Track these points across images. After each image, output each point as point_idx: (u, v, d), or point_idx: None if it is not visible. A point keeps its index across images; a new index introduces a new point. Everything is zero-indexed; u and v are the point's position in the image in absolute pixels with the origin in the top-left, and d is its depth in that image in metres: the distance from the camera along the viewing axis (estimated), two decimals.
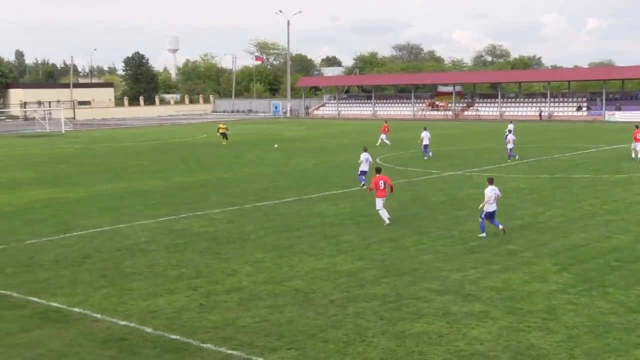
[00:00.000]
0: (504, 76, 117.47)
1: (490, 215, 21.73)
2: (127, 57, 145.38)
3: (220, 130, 61.66)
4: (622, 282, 16.23)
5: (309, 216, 25.52)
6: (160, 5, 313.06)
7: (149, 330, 13.65)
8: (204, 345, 12.76)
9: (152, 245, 21.19)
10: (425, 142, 46.22)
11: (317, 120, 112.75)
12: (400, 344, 12.60)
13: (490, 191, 21.79)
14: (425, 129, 47.73)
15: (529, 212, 25.53)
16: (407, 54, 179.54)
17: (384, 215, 23.79)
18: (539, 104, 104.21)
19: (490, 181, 22.38)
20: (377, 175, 24.15)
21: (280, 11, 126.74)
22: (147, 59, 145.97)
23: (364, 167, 32.75)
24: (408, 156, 47.56)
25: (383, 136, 55.35)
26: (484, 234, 21.54)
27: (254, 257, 19.33)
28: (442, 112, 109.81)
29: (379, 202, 23.89)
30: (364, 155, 32.80)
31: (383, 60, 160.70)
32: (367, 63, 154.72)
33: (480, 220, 21.93)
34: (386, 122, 58.97)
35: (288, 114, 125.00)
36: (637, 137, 41.65)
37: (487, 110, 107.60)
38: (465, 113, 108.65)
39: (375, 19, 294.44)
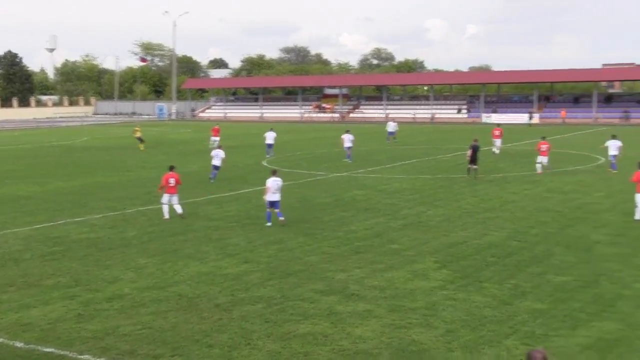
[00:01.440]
0: (389, 79, 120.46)
1: (273, 205, 23.83)
2: None
3: (137, 134, 58.57)
4: (496, 276, 17.03)
5: (195, 219, 25.30)
6: (38, 2, 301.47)
7: (19, 345, 13.02)
8: (82, 356, 12.38)
9: (25, 254, 20.40)
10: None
11: (204, 122, 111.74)
12: (285, 345, 12.72)
13: (272, 182, 23.77)
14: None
15: (412, 211, 26.30)
16: (295, 57, 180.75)
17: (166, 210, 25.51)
18: (423, 106, 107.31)
19: (274, 173, 24.32)
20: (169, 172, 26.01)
21: (167, 12, 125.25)
22: (21, 58, 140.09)
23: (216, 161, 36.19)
24: (295, 158, 47.92)
25: (216, 139, 54.27)
26: (269, 223, 23.74)
27: (136, 263, 18.98)
28: (329, 114, 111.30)
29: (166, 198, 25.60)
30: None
31: (271, 62, 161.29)
32: (255, 65, 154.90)
33: (267, 210, 24.04)
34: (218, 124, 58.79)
35: (173, 116, 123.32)
36: (542, 150, 38.09)
37: (373, 112, 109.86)
38: (352, 115, 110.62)
39: (263, 20, 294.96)
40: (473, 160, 35.70)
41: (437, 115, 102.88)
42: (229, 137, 70.70)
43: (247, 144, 59.78)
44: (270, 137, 49.67)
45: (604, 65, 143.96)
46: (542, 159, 37.44)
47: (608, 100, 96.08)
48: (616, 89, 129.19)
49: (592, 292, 15.59)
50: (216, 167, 36.27)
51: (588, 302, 14.81)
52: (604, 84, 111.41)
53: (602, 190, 30.73)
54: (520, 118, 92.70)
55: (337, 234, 22.38)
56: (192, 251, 20.34)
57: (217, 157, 36.27)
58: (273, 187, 23.75)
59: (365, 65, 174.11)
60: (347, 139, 45.44)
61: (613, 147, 37.82)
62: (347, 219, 25.10)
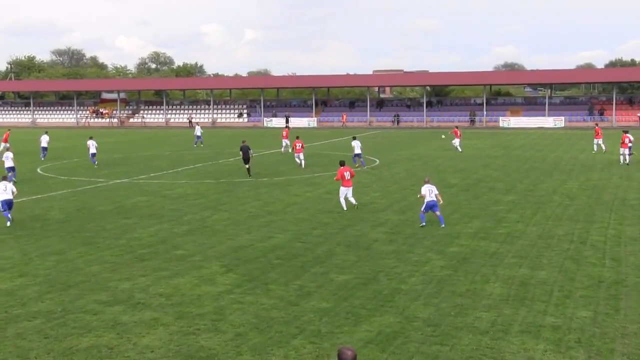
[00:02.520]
0: (168, 83, 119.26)
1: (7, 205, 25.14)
2: None
3: None
4: (283, 278, 17.40)
5: None
6: None
7: None
8: None
9: None
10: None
11: None
12: None
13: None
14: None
15: (197, 216, 26.15)
16: (69, 60, 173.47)
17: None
18: (203, 111, 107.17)
19: (4, 178, 25.65)
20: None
21: None
22: None
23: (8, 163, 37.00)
24: (72, 165, 45.87)
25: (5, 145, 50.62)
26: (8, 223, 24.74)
27: None
28: (107, 120, 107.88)
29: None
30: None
31: (42, 65, 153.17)
32: (24, 68, 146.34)
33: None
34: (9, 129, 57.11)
35: None
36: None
37: (153, 117, 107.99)
38: (131, 120, 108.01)
39: (31, 21, 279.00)
40: (245, 160, 38.69)
41: (218, 120, 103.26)
42: None
43: (19, 151, 56.16)
44: (44, 140, 51.19)
45: (374, 71, 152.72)
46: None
47: (380, 104, 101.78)
48: (387, 94, 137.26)
49: (372, 288, 16.40)
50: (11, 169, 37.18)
51: (369, 299, 15.56)
52: (375, 89, 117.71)
53: (378, 190, 32.44)
54: (300, 122, 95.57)
55: (119, 242, 21.74)
56: None
57: (7, 159, 37.29)
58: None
59: (144, 69, 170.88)
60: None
61: (357, 147, 42.74)
62: (130, 226, 24.45)
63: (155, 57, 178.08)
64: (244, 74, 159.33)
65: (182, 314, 14.62)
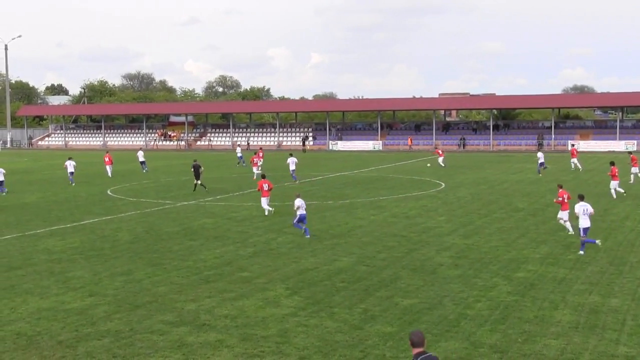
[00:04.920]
0: (235, 107, 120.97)
1: None
2: None
3: None
4: (347, 301, 17.35)
5: (34, 253, 24.16)
6: None
7: None
8: None
9: None
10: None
11: (42, 151, 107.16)
12: None
13: None
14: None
15: (262, 239, 26.35)
16: (139, 84, 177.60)
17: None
18: (269, 134, 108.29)
19: None
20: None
21: None
22: None
23: None
24: (140, 187, 46.86)
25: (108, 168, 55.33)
26: None
27: None
28: (175, 142, 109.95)
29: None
30: None
31: (113, 89, 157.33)
32: (96, 92, 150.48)
33: None
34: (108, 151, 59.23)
35: (8, 145, 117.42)
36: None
37: (219, 139, 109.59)
38: (198, 143, 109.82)
39: (104, 47, 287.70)
40: (196, 176, 42.85)
41: (283, 143, 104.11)
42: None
43: (91, 173, 57.80)
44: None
45: (440, 94, 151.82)
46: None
47: (446, 128, 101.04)
48: (453, 117, 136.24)
49: (437, 313, 16.21)
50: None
51: (434, 323, 15.38)
52: (441, 112, 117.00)
53: (444, 214, 32.14)
54: (365, 145, 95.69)
55: (186, 264, 22.05)
56: (31, 286, 19.35)
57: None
58: None
59: (211, 92, 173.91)
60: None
61: (292, 163, 48.64)
62: (196, 247, 24.80)
63: (223, 80, 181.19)
64: (310, 97, 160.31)
65: (246, 336, 14.71)
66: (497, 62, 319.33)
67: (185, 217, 32.55)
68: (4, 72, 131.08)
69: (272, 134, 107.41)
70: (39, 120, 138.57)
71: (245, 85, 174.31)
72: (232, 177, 53.64)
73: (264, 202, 32.36)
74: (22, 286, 19.39)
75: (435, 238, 25.96)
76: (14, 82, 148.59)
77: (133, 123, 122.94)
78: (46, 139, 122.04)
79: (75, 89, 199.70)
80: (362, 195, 40.33)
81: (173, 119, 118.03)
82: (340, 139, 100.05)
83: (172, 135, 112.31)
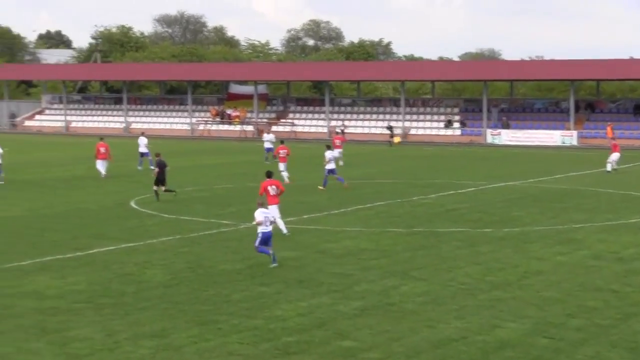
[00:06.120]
0: (335, 70, 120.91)
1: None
2: None
3: None
4: None
5: (16, 298, 24.81)
6: None
7: None
8: None
9: None
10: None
11: (31, 136, 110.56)
12: None
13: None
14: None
15: (375, 287, 26.31)
16: (181, 32, 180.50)
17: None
18: (387, 116, 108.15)
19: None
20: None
21: None
22: None
23: None
24: (184, 197, 47.59)
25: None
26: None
27: None
28: (238, 127, 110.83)
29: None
30: None
31: (141, 40, 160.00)
32: (115, 44, 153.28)
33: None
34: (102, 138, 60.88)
35: None
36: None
37: (308, 123, 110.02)
38: (274, 128, 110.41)
39: None
40: (160, 180, 45.61)
41: (412, 131, 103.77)
42: (72, 161, 69.97)
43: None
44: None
45: None
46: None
47: None
48: None
49: None
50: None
51: None
52: None
53: None
54: (549, 138, 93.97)
55: (252, 323, 22.20)
56: (11, 350, 19.86)
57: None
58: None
59: (296, 47, 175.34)
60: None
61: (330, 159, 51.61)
62: (269, 297, 24.99)
63: (315, 28, 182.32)
64: (454, 58, 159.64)
65: None
66: None
67: (252, 247, 32.71)
68: None
69: (395, 116, 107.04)
70: (25, 89, 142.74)
71: (351, 37, 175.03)
72: (332, 184, 53.77)
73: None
74: None
75: None
76: None
77: (171, 95, 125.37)
78: (37, 117, 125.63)
79: (82, 39, 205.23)
80: (541, 220, 39.83)
81: (235, 89, 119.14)
82: (507, 126, 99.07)
83: (233, 115, 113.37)
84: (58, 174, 59.76)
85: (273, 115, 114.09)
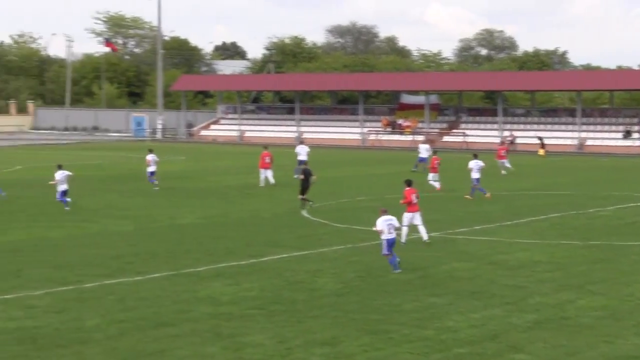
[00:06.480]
0: (508, 80, 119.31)
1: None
2: None
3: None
4: None
5: (192, 303, 25.36)
6: None
7: None
8: None
9: None
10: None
11: (206, 145, 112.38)
12: None
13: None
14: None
15: (550, 300, 25.99)
16: (353, 42, 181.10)
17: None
18: (562, 126, 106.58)
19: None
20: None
21: None
22: None
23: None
24: (353, 206, 47.83)
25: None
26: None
27: None
28: (409, 136, 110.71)
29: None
30: None
31: (314, 50, 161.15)
32: (288, 55, 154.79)
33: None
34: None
35: (159, 135, 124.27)
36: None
37: (480, 133, 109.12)
38: (446, 138, 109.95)
39: None
40: (304, 188, 46.40)
41: (588, 142, 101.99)
42: (246, 170, 71.12)
43: (277, 179, 59.78)
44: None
45: None
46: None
47: None
48: None
49: None
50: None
51: None
52: None
53: None
54: None
55: (424, 333, 22.19)
56: (188, 353, 20.32)
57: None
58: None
59: (468, 57, 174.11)
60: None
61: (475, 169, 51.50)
62: (440, 307, 24.94)
63: (488, 37, 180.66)
64: (634, 66, 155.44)
65: None
66: None
67: (423, 257, 32.79)
68: (155, 24, 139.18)
69: (570, 126, 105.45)
70: (202, 99, 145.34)
71: (525, 46, 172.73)
72: (502, 194, 53.35)
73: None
74: (176, 352, 20.39)
75: None
76: (168, 39, 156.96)
77: (343, 105, 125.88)
78: (212, 126, 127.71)
79: (256, 51, 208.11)
80: None
81: (406, 99, 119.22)
82: None
83: (404, 125, 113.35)
84: (232, 182, 60.75)
85: (444, 125, 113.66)
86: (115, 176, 63.73)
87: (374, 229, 30.01)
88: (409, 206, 34.87)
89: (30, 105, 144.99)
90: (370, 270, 30.27)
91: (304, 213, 44.57)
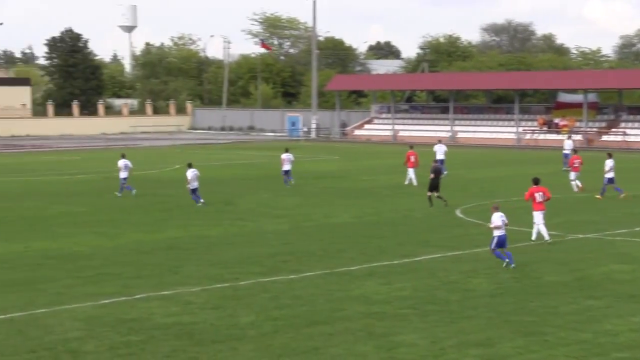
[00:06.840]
0: None
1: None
2: (53, 38, 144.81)
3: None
4: None
5: (345, 301, 25.53)
6: None
7: None
8: None
9: (87, 343, 21.16)
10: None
11: (360, 145, 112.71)
12: None
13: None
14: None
15: None
16: (509, 40, 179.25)
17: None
18: None
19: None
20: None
21: None
22: (87, 41, 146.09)
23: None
24: (508, 206, 47.21)
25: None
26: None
27: None
28: (566, 136, 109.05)
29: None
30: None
31: (469, 49, 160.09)
32: (442, 54, 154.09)
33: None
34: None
35: (313, 135, 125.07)
36: None
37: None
38: (605, 138, 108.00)
39: None
40: (434, 186, 46.21)
41: None
42: (399, 169, 71.13)
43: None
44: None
45: None
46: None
47: None
48: None
49: None
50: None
51: None
52: None
53: None
54: None
55: (581, 336, 21.89)
56: (341, 352, 20.45)
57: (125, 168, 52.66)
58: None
59: (629, 54, 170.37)
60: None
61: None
62: (597, 310, 24.54)
63: None
64: None
65: None
66: None
67: (579, 259, 32.29)
68: (310, 24, 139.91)
69: None
70: (356, 98, 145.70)
71: None
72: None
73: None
74: (329, 350, 20.56)
75: None
76: (323, 39, 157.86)
77: (498, 104, 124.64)
78: (366, 126, 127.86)
79: (410, 50, 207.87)
80: None
81: (564, 97, 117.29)
82: None
83: (561, 124, 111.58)
84: (385, 181, 60.72)
85: (603, 124, 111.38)
86: (271, 175, 64.23)
87: (490, 225, 30.52)
88: (533, 204, 35.28)
89: (189, 105, 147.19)
90: (525, 271, 30.01)
91: (458, 213, 44.34)
